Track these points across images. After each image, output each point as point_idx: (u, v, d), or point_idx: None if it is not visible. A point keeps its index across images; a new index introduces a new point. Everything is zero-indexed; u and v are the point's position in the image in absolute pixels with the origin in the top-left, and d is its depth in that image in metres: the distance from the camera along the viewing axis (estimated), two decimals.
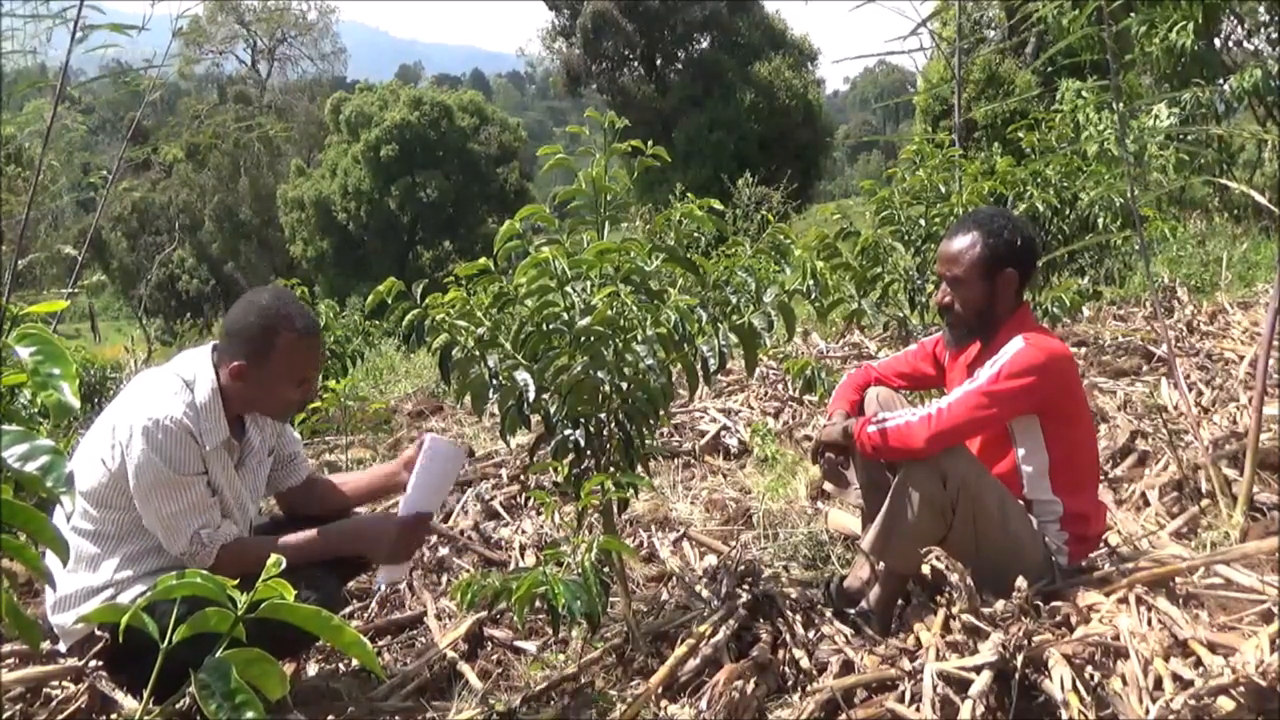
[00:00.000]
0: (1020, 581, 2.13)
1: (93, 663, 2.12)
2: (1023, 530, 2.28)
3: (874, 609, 2.34)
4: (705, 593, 2.56)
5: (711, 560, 2.87)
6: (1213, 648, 1.92)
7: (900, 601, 2.38)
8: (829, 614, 2.37)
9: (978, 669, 1.89)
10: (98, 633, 2.02)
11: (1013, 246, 2.34)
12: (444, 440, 2.26)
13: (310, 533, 2.15)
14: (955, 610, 2.12)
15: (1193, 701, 1.75)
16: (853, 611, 2.36)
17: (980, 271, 2.34)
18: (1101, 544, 2.49)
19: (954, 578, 2.16)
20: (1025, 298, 2.44)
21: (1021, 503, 2.33)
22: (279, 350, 2.08)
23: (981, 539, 2.23)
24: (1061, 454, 2.32)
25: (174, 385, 2.06)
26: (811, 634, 2.30)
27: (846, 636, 2.27)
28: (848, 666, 2.13)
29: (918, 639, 2.13)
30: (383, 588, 2.22)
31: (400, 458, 2.43)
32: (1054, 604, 2.15)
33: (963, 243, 2.36)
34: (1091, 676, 1.88)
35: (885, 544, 2.28)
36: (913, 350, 2.69)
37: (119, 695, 2.16)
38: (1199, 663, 1.89)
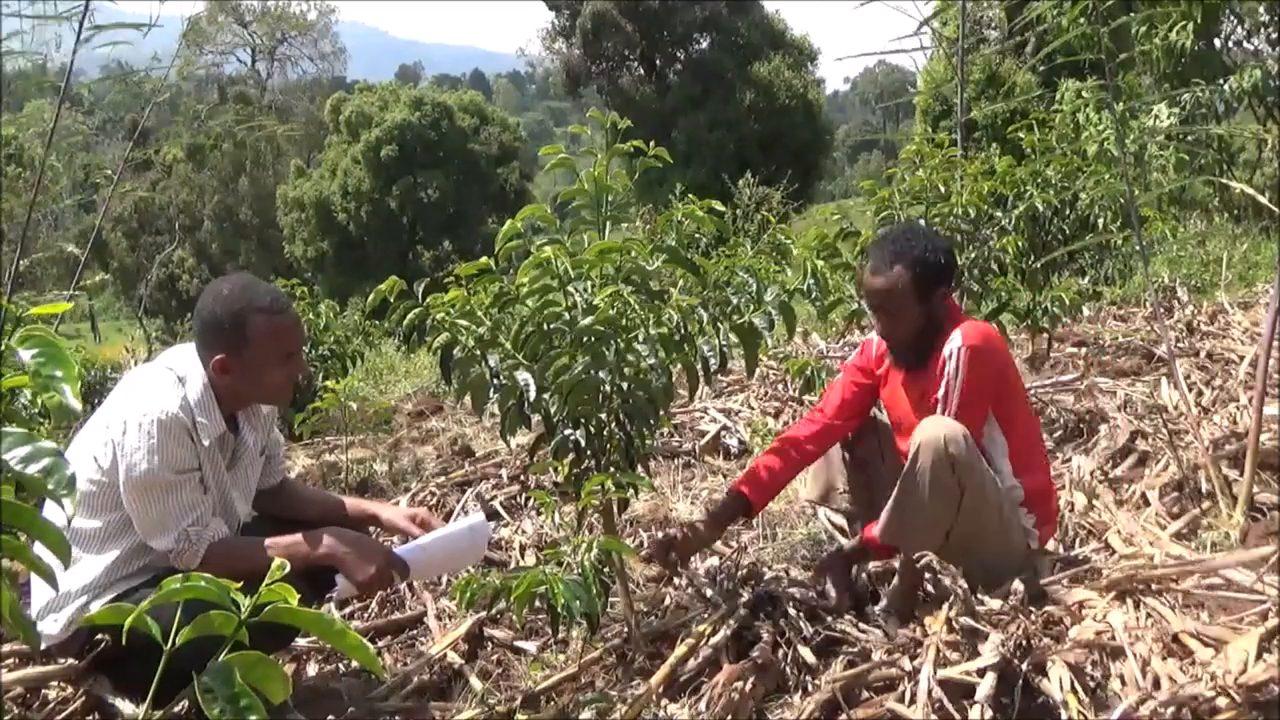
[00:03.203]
0: (1016, 584, 2.14)
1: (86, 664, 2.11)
2: (1013, 518, 2.33)
3: (892, 604, 2.33)
4: (705, 593, 2.56)
5: (712, 561, 2.87)
6: (1212, 648, 1.92)
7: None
8: (828, 616, 2.37)
9: (980, 672, 1.89)
10: (98, 636, 2.01)
11: (937, 267, 2.38)
12: (488, 529, 2.21)
13: (296, 536, 2.08)
14: (952, 613, 2.12)
15: (1192, 702, 1.75)
16: (878, 609, 2.35)
17: (913, 300, 2.37)
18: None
19: (947, 580, 2.16)
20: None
21: None
22: (254, 335, 2.05)
23: (982, 528, 2.27)
24: (1014, 434, 2.37)
25: (168, 380, 2.04)
26: (811, 634, 2.29)
27: (847, 636, 2.27)
28: (847, 666, 2.13)
29: (918, 639, 2.13)
30: (335, 596, 2.17)
31: (410, 510, 2.40)
32: (1049, 603, 2.15)
33: (888, 279, 2.38)
34: (1091, 677, 1.88)
35: (899, 529, 2.30)
36: (842, 380, 2.65)
37: (119, 703, 2.15)
38: (1196, 663, 1.89)
